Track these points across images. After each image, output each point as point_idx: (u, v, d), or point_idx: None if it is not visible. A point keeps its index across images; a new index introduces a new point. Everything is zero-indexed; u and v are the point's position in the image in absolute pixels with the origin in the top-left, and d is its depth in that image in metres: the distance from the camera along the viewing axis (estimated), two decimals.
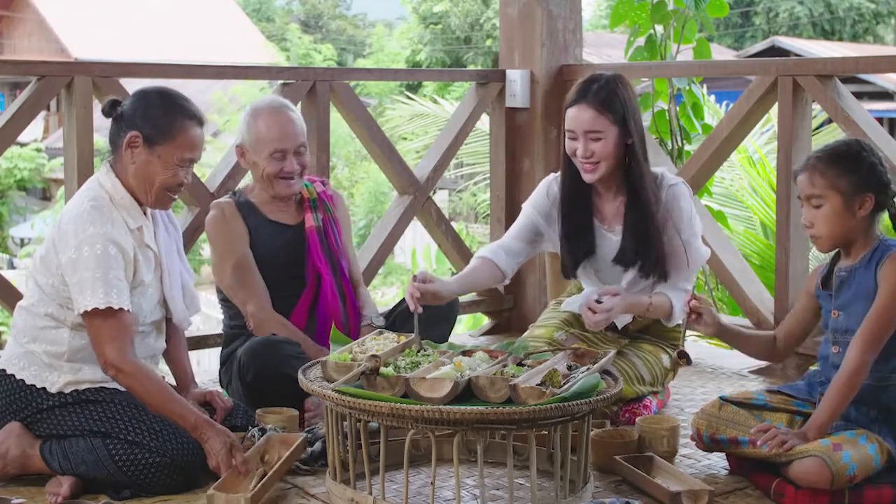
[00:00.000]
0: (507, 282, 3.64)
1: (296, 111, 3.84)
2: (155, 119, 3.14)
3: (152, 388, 3.06)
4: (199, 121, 3.21)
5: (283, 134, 3.71)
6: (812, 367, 3.79)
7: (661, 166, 4.76)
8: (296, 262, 3.77)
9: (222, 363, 3.77)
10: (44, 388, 3.11)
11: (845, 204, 2.99)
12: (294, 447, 3.13)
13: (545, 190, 3.67)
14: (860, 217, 3.00)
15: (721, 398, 3.21)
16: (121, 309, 3.03)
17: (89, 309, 3.00)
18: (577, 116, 3.47)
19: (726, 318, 3.39)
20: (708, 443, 3.20)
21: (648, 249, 3.49)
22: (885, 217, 3.08)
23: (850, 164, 3.00)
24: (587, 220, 3.60)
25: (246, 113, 3.79)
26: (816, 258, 4.93)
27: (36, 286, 3.16)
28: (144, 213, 3.22)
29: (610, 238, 3.58)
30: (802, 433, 2.94)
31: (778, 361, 3.24)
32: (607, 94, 3.45)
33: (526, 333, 3.71)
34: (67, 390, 3.11)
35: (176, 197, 3.25)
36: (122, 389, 3.14)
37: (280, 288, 3.72)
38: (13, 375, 3.14)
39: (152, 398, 3.06)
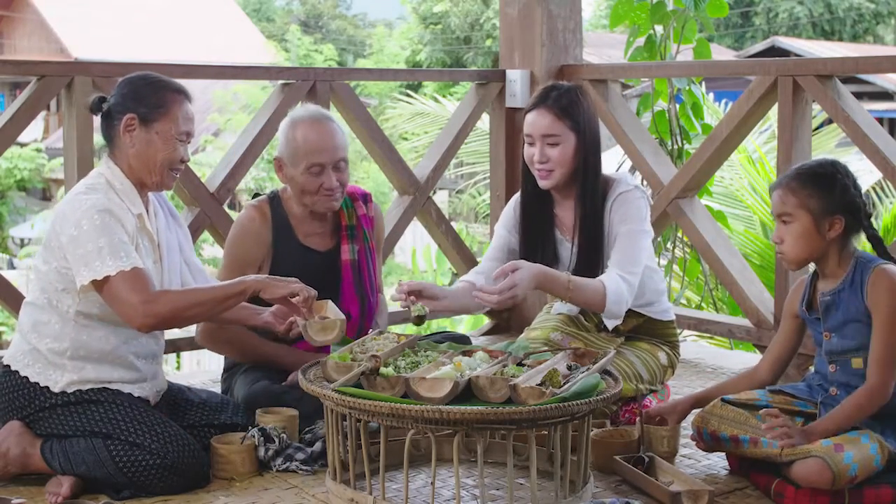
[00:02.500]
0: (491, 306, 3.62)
1: (337, 123, 3.61)
2: (146, 98, 3.15)
3: (196, 295, 3.09)
4: (187, 96, 3.22)
5: (321, 146, 3.49)
6: (811, 368, 3.79)
7: (660, 167, 4.81)
8: (320, 290, 3.46)
9: (226, 369, 3.72)
10: (47, 387, 3.10)
11: (814, 224, 3.00)
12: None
13: (512, 208, 3.68)
14: (829, 238, 3.01)
15: (723, 399, 3.21)
16: (134, 268, 2.99)
17: (100, 277, 2.96)
18: (535, 121, 3.48)
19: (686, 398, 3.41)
20: (708, 440, 3.20)
21: (602, 262, 3.49)
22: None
23: (822, 185, 3.00)
24: (548, 229, 3.60)
25: (284, 123, 3.59)
26: None
27: (38, 277, 3.14)
28: (144, 205, 3.21)
29: (570, 249, 3.58)
30: (806, 432, 2.95)
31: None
32: (568, 101, 3.47)
33: (521, 336, 3.68)
34: (70, 390, 3.10)
35: (177, 175, 3.22)
36: (125, 391, 3.14)
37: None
38: (17, 372, 3.13)
39: (205, 299, 3.07)
